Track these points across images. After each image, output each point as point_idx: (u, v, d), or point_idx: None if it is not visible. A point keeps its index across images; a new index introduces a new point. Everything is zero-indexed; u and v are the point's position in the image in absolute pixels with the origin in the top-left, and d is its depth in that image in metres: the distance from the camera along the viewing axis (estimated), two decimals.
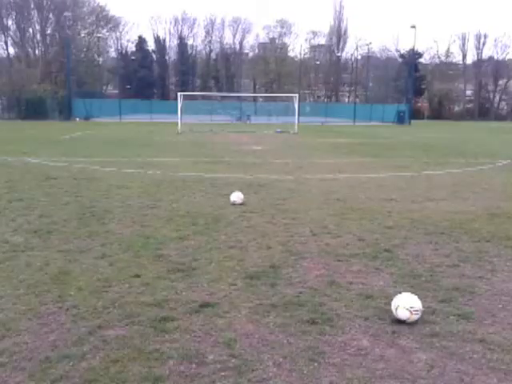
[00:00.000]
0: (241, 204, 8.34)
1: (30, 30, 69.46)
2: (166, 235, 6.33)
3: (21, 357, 3.28)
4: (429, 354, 3.40)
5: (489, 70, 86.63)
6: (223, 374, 3.13)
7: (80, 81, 63.69)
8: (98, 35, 72.07)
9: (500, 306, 4.26)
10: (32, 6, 67.22)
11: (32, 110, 45.83)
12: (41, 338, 3.54)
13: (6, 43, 68.25)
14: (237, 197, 8.48)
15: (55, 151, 17.40)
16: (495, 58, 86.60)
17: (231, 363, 3.25)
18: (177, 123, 32.03)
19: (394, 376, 3.13)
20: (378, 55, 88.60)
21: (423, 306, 3.98)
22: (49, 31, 69.99)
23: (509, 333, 3.74)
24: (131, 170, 12.70)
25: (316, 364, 3.27)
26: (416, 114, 66.70)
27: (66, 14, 59.00)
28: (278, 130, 33.94)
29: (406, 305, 3.89)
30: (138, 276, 4.82)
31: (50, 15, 68.94)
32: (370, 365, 3.27)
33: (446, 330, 3.77)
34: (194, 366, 3.22)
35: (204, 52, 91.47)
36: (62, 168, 12.89)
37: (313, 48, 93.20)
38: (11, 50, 69.72)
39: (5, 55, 67.87)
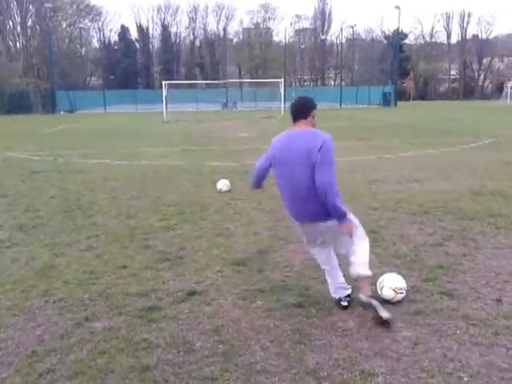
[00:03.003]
0: (227, 191, 8.34)
1: (10, 22, 68.27)
2: (153, 225, 6.33)
3: (7, 352, 3.28)
4: (413, 332, 3.46)
5: (473, 49, 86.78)
6: (211, 360, 3.15)
7: (63, 73, 62.79)
8: (80, 26, 71.05)
9: (483, 282, 4.32)
10: None
11: (15, 104, 45.15)
12: (27, 333, 3.54)
13: None
14: (223, 184, 8.48)
15: (39, 145, 17.22)
16: (479, 36, 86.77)
17: (219, 349, 3.28)
18: (162, 112, 31.81)
19: (379, 355, 3.18)
20: (363, 37, 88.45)
21: (408, 285, 4.03)
22: (29, 23, 68.82)
23: (491, 308, 3.80)
24: (117, 161, 12.62)
25: (303, 346, 3.30)
26: (402, 95, 66.80)
27: (46, 5, 57.87)
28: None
29: (390, 285, 3.93)
30: (124, 267, 4.82)
31: (30, 7, 67.72)
32: (356, 345, 3.31)
33: (430, 307, 3.82)
34: (181, 353, 3.24)
35: (188, 39, 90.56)
36: (46, 162, 12.77)
37: (297, 32, 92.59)
38: None
39: None
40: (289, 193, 3.78)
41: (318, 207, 3.58)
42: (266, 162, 4.03)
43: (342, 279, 3.99)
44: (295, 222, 3.92)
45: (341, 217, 3.54)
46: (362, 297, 3.70)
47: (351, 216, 3.71)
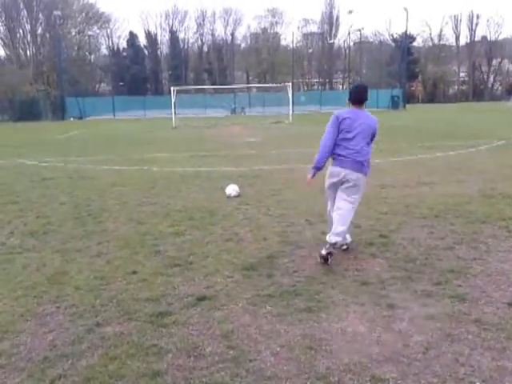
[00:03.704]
0: (237, 196, 8.36)
1: (21, 30, 69.04)
2: (163, 231, 6.35)
3: (19, 357, 3.31)
4: (424, 337, 3.44)
5: (482, 51, 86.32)
6: (221, 365, 3.16)
7: (73, 80, 63.32)
8: (89, 33, 71.62)
9: (494, 286, 4.29)
10: (21, 6, 66.76)
11: (25, 111, 45.53)
12: (39, 339, 3.57)
13: None
14: (232, 189, 8.49)
15: (50, 152, 17.37)
16: (488, 38, 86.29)
17: (229, 355, 3.28)
18: (171, 118, 31.97)
19: (390, 360, 3.17)
20: (371, 40, 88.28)
21: (419, 289, 4.05)
22: (39, 31, 69.54)
23: (503, 312, 3.77)
24: (126, 167, 12.70)
25: (313, 352, 3.30)
26: (410, 98, 66.64)
27: (55, 12, 58.45)
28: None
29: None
30: (135, 272, 4.84)
31: (40, 15, 68.46)
32: (367, 350, 3.30)
33: (441, 312, 3.80)
34: (192, 359, 3.25)
35: (196, 45, 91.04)
36: (56, 168, 12.88)
37: (305, 36, 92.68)
38: (2, 52, 69.52)
39: None
40: (345, 150, 4.96)
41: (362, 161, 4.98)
42: (334, 131, 5.00)
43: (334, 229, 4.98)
44: (338, 168, 5.02)
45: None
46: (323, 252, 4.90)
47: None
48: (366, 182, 5.15)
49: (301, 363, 3.16)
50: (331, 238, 4.96)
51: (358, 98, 5.03)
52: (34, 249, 5.75)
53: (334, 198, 5.16)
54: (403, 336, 3.46)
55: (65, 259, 5.32)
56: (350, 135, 4.93)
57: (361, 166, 4.98)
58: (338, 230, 4.95)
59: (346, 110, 5.09)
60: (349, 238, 5.37)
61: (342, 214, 5.00)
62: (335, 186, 5.10)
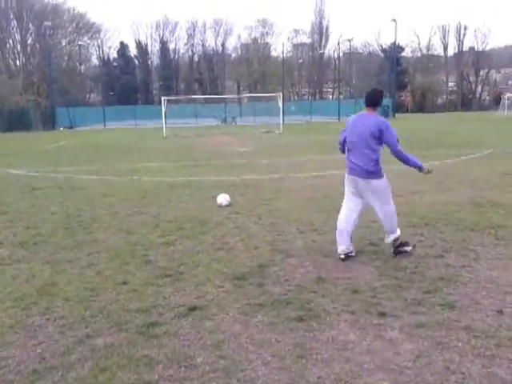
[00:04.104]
0: (227, 206, 8.36)
1: (10, 40, 68.94)
2: (153, 241, 6.33)
3: (8, 370, 3.27)
4: (415, 345, 3.45)
5: (470, 61, 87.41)
6: (212, 375, 3.15)
7: (63, 90, 63.28)
8: (79, 43, 71.64)
9: (484, 293, 4.32)
10: (11, 16, 66.69)
11: (15, 121, 45.16)
12: (28, 351, 3.53)
13: None
14: (223, 199, 8.50)
15: (39, 162, 17.27)
16: (476, 48, 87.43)
17: (220, 364, 3.27)
18: (162, 128, 31.96)
19: (381, 368, 3.17)
20: (360, 51, 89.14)
21: (409, 298, 4.07)
22: (29, 41, 69.51)
23: (493, 319, 3.80)
24: (117, 177, 12.66)
25: (304, 361, 3.30)
26: (400, 108, 67.19)
27: (45, 23, 58.53)
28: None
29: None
30: (125, 283, 4.81)
31: (30, 25, 68.46)
32: (358, 358, 3.31)
33: (431, 320, 3.82)
34: (182, 369, 3.23)
35: (187, 55, 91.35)
36: (46, 178, 12.81)
37: (295, 46, 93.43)
38: None
39: None
40: (350, 157, 5.51)
41: None
42: (343, 134, 5.53)
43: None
44: (350, 176, 5.54)
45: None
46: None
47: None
48: (383, 180, 5.40)
49: (292, 372, 3.16)
50: (387, 240, 5.50)
51: (367, 100, 5.32)
52: (24, 260, 5.70)
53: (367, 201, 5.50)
54: (394, 344, 3.47)
55: (54, 270, 5.28)
56: (350, 139, 5.34)
57: (366, 173, 5.26)
58: (387, 229, 5.47)
59: (354, 115, 5.52)
60: (398, 232, 5.53)
61: (382, 217, 5.45)
62: (357, 192, 5.44)
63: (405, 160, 5.43)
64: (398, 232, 5.51)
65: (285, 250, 5.77)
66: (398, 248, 5.44)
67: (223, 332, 3.74)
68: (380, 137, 5.20)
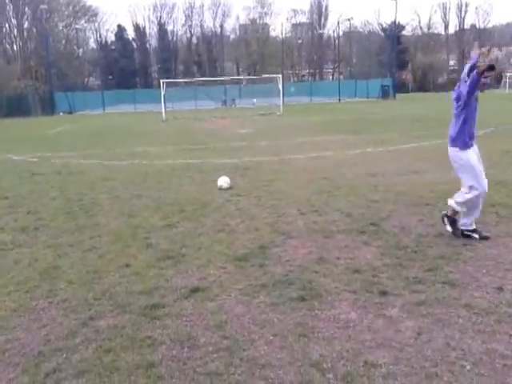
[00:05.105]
0: (228, 188, 8.36)
1: (7, 25, 68.23)
2: (155, 224, 6.35)
3: (13, 353, 3.31)
4: (416, 322, 3.48)
5: (471, 39, 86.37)
6: (215, 355, 3.18)
7: (61, 74, 62.79)
8: (77, 26, 70.94)
9: (484, 271, 4.34)
10: (7, 0, 65.90)
11: (14, 106, 44.93)
12: (33, 334, 3.57)
13: None
14: (224, 181, 8.49)
15: (39, 147, 17.23)
16: (477, 26, 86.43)
17: (223, 344, 3.30)
18: (161, 111, 31.81)
19: (382, 346, 3.20)
20: (360, 30, 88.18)
21: (410, 276, 4.10)
22: (26, 25, 68.79)
23: (493, 296, 3.82)
24: (117, 161, 12.64)
25: (306, 339, 3.33)
26: (400, 87, 66.65)
27: (42, 6, 57.86)
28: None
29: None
30: (127, 266, 4.84)
31: (26, 9, 67.69)
32: (359, 336, 3.34)
33: (432, 297, 3.84)
34: (186, 349, 3.27)
35: (185, 37, 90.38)
36: (46, 163, 12.80)
37: (294, 27, 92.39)
38: None
39: None
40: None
41: None
42: None
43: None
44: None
45: None
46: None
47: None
48: (464, 154, 5.25)
49: (294, 351, 3.19)
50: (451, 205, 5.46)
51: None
52: (26, 244, 5.73)
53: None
54: (395, 322, 3.50)
55: (57, 254, 5.31)
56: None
57: (450, 140, 5.29)
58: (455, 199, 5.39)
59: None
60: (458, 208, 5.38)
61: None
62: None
63: None
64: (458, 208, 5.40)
65: (286, 231, 5.78)
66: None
67: (226, 313, 3.77)
68: (460, 97, 5.53)
